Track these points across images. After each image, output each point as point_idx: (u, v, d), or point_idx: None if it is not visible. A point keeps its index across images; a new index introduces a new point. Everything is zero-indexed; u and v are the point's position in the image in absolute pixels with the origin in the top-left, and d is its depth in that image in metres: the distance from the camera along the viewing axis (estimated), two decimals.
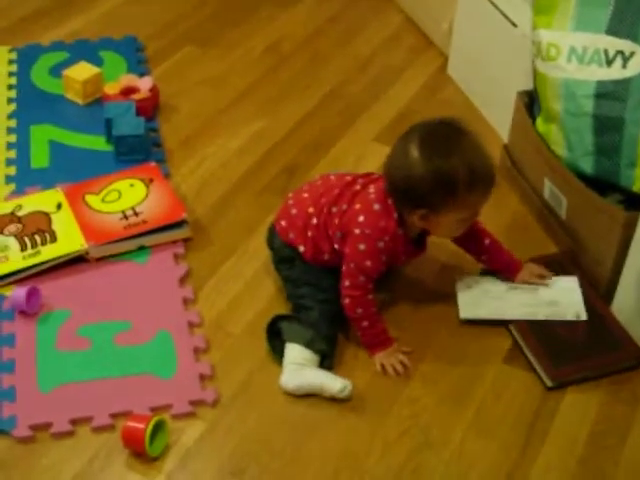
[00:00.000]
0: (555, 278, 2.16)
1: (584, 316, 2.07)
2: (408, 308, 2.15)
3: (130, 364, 1.98)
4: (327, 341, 2.00)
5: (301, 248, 2.10)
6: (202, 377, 1.96)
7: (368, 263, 2.00)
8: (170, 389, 1.93)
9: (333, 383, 1.92)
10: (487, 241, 2.15)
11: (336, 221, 2.04)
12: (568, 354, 2.01)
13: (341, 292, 2.03)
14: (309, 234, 2.09)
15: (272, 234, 2.19)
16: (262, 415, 1.91)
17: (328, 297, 2.05)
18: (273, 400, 1.94)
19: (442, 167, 1.89)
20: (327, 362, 2.00)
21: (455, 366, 2.03)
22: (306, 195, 2.13)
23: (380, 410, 1.92)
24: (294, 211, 2.13)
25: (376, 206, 2.01)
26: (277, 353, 2.01)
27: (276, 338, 2.03)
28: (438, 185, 1.90)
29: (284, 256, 2.15)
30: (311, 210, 2.09)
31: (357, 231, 2.00)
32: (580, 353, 2.02)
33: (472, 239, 2.15)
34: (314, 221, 2.08)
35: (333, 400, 1.93)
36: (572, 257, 2.23)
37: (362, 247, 2.00)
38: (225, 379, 1.97)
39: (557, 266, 2.21)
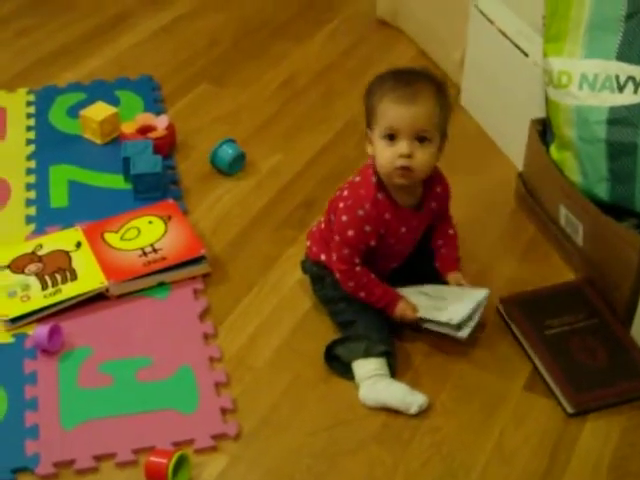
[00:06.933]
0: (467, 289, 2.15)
1: (454, 321, 2.05)
2: (427, 337, 2.15)
3: (152, 400, 2.00)
4: (383, 342, 2.03)
5: (322, 257, 2.14)
6: (224, 411, 1.97)
7: (350, 233, 2.03)
8: (192, 424, 1.94)
9: (408, 405, 1.96)
10: (451, 232, 2.21)
11: (331, 209, 2.12)
12: (589, 380, 2.01)
13: (332, 269, 2.09)
14: (323, 239, 2.14)
15: (304, 259, 2.24)
16: (284, 448, 1.91)
17: (364, 305, 2.08)
18: (294, 432, 1.94)
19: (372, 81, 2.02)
20: (391, 360, 2.04)
21: (475, 394, 2.03)
22: None
23: (402, 440, 1.92)
24: (314, 229, 2.21)
25: (357, 178, 2.08)
26: (346, 376, 2.05)
27: (338, 363, 2.07)
28: (365, 95, 2.02)
29: (314, 276, 2.20)
30: (321, 219, 2.18)
31: (341, 205, 2.06)
32: (601, 379, 2.02)
33: (439, 226, 2.20)
34: (322, 225, 2.16)
35: (354, 430, 1.94)
36: (590, 283, 2.23)
37: (344, 218, 2.04)
38: (247, 413, 1.98)
39: (576, 292, 2.22)
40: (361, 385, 2.00)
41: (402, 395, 1.97)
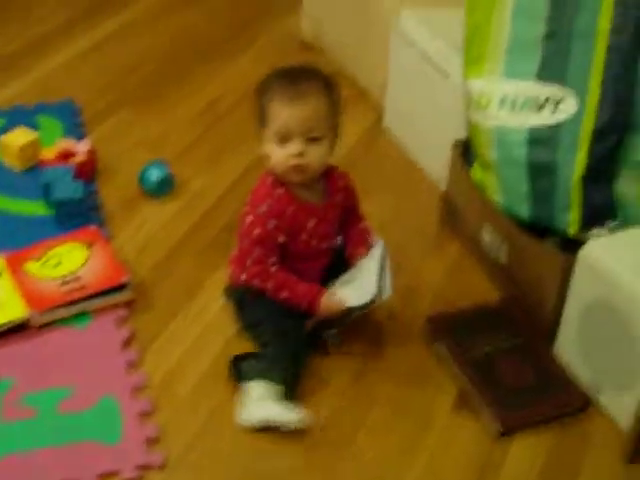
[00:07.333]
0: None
1: (370, 297, 2.07)
2: (354, 359, 2.15)
3: (75, 431, 1.96)
4: (284, 370, 2.00)
5: (243, 277, 2.12)
6: (148, 440, 1.94)
7: (257, 231, 2.04)
8: (116, 455, 1.91)
9: (288, 418, 1.93)
10: (361, 225, 2.23)
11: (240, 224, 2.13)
12: (515, 400, 2.02)
13: (248, 276, 2.10)
14: (240, 260, 2.13)
15: (227, 285, 2.23)
16: (210, 475, 1.89)
17: (283, 329, 2.06)
18: (220, 459, 1.92)
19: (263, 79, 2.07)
20: (288, 393, 1.99)
21: (403, 416, 2.02)
22: None
23: (328, 465, 1.91)
24: (234, 253, 2.20)
25: (256, 184, 2.11)
26: (241, 386, 2.02)
27: (239, 375, 2.04)
28: (255, 95, 2.07)
29: (237, 301, 2.18)
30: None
31: (244, 210, 2.09)
32: (527, 398, 2.03)
33: (351, 221, 2.22)
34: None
35: (280, 454, 1.92)
36: (515, 301, 2.25)
37: (249, 220, 2.07)
38: (172, 441, 1.95)
39: (501, 311, 2.24)
40: (249, 403, 1.97)
41: (279, 410, 1.94)
